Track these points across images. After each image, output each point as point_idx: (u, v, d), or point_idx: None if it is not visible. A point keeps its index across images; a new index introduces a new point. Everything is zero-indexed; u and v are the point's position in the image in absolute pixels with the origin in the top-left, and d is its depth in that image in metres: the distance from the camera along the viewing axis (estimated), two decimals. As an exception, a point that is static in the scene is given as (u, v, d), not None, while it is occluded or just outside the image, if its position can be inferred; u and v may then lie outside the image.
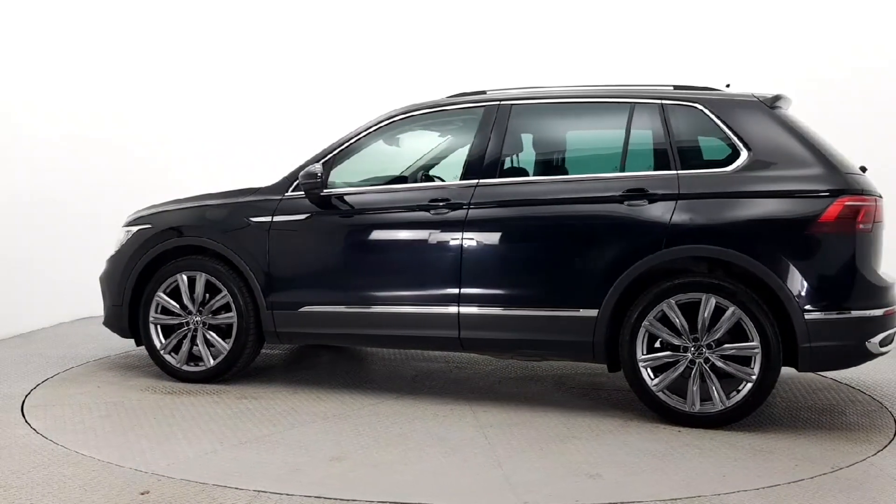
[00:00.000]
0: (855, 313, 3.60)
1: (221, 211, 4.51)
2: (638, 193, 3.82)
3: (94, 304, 6.28)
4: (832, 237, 3.62)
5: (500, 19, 7.11)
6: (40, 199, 6.26)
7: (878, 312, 3.63)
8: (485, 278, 4.02)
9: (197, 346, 4.45)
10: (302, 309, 4.28)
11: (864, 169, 4.13)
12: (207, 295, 4.45)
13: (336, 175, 4.42)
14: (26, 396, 4.27)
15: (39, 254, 6.26)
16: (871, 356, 3.68)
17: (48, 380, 4.63)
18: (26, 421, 3.84)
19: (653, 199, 3.80)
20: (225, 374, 4.44)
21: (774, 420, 3.93)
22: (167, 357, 4.50)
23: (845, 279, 3.63)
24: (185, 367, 4.48)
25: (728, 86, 4.27)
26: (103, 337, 5.49)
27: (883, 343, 3.66)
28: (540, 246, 3.99)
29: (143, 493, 2.92)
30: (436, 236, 4.07)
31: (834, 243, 3.63)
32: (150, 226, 4.60)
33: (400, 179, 4.65)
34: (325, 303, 4.26)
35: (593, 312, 3.84)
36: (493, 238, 4.02)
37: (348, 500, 2.87)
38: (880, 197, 3.85)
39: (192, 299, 4.45)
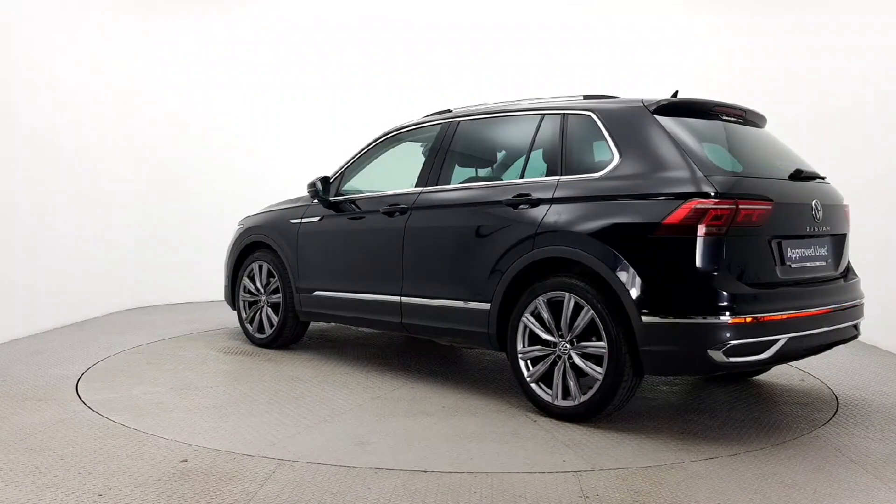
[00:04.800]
0: (691, 319, 3.43)
1: (277, 215, 5.74)
2: (524, 198, 4.09)
3: (145, 295, 7.96)
4: (676, 240, 3.49)
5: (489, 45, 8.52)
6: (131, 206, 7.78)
7: (723, 320, 3.39)
8: (416, 272, 4.59)
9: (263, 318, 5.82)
10: (314, 293, 5.32)
11: (800, 174, 3.83)
12: (270, 279, 5.79)
13: (353, 184, 5.38)
14: (81, 376, 4.70)
15: (97, 248, 7.19)
16: (717, 366, 3.45)
17: (100, 362, 5.13)
18: (81, 398, 4.20)
19: (535, 203, 4.03)
20: (277, 341, 5.69)
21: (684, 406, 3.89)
22: (247, 325, 5.93)
23: (687, 284, 3.46)
24: (256, 335, 5.85)
25: (675, 94, 4.23)
26: (150, 324, 6.71)
27: (732, 353, 3.39)
28: (453, 245, 4.40)
29: (182, 462, 3.22)
30: (388, 235, 4.77)
31: (678, 247, 3.49)
32: (242, 226, 6.09)
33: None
34: (323, 289, 5.23)
35: (487, 306, 4.20)
36: (422, 238, 4.57)
37: (171, 440, 3.48)
38: (768, 200, 3.61)
39: (262, 282, 5.83)
